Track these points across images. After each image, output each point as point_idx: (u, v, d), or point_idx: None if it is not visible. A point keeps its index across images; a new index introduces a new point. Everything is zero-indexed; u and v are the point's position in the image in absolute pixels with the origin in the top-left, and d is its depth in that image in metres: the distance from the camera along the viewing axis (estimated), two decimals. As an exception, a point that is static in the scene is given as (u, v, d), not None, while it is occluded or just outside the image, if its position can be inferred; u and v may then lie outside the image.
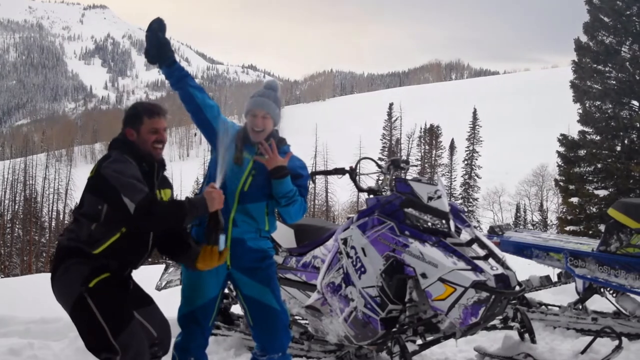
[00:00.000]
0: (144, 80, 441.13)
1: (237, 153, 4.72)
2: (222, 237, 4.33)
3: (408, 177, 5.63)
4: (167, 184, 4.67)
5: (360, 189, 5.79)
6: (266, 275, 4.82)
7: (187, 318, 4.81)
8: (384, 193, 5.62)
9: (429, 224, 5.12)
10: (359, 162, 6.07)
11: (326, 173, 6.28)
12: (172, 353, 4.85)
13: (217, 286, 4.80)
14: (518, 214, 69.45)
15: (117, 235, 4.20)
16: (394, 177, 5.67)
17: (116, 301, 4.21)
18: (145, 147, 4.39)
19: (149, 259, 4.86)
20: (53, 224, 72.07)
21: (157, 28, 4.58)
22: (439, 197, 5.20)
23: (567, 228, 23.72)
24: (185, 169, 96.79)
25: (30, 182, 76.31)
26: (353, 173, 5.83)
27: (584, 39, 23.93)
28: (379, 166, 6.01)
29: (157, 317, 4.61)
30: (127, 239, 4.24)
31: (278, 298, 4.87)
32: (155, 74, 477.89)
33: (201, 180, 4.87)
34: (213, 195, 4.26)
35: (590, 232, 21.96)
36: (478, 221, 60.65)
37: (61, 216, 72.31)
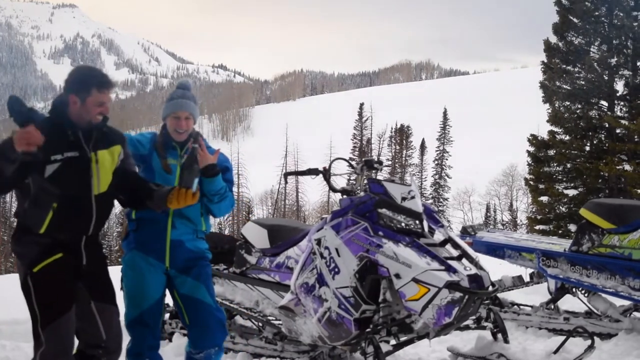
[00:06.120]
0: (114, 80, 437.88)
1: (162, 161, 4.74)
2: (195, 180, 4.38)
3: (381, 178, 5.62)
4: (113, 141, 4.40)
5: (333, 190, 5.78)
6: (201, 274, 4.93)
7: (136, 322, 4.83)
8: (357, 194, 5.61)
9: (403, 224, 5.11)
10: (332, 162, 6.05)
11: (300, 174, 6.28)
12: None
13: (160, 287, 4.88)
14: (488, 214, 69.77)
15: (50, 214, 4.03)
16: (366, 178, 5.66)
17: (54, 290, 4.05)
18: (86, 116, 4.16)
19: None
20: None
21: (19, 103, 3.97)
22: (413, 197, 5.19)
23: (537, 227, 23.92)
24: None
25: (-1, 181, 75.52)
26: (326, 174, 5.82)
27: (553, 39, 24.08)
28: (352, 167, 6.00)
29: (113, 322, 4.38)
30: (64, 211, 4.06)
31: (212, 296, 4.98)
32: (125, 74, 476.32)
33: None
34: (19, 134, 3.69)
35: (560, 231, 22.12)
36: (448, 221, 60.83)
37: (30, 216, 71.48)
